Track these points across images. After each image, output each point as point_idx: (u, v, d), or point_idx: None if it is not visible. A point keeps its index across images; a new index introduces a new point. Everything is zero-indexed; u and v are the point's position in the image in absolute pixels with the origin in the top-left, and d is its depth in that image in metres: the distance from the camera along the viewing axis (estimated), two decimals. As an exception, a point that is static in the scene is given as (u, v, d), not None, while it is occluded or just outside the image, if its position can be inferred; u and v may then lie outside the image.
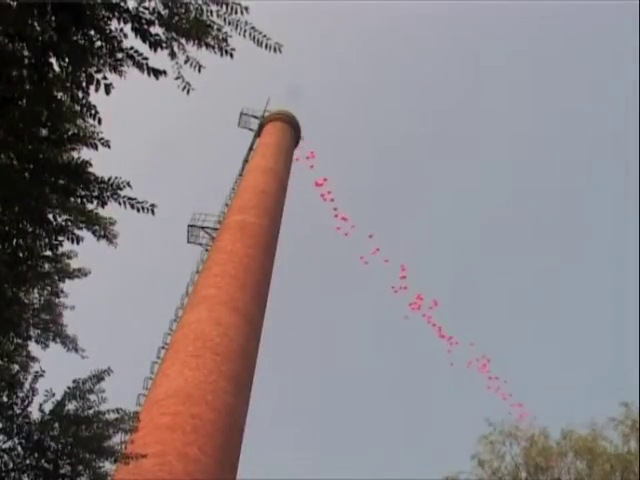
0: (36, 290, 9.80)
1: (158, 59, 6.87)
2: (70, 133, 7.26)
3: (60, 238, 7.59)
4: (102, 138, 7.46)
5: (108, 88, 6.69)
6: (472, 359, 30.79)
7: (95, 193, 7.27)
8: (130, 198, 7.23)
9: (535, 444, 21.03)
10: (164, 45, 6.87)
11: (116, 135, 8.05)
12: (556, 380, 57.98)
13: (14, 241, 7.40)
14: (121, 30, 6.77)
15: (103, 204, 7.37)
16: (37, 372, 9.38)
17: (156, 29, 6.85)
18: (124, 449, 9.81)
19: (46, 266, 9.08)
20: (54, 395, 9.24)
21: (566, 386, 56.43)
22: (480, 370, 29.59)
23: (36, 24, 6.32)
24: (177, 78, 7.05)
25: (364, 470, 44.68)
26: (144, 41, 6.81)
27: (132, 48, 6.77)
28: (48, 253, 8.16)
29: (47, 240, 7.58)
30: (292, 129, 34.33)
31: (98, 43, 6.66)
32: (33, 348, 10.02)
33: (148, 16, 6.79)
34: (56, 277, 9.74)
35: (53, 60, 6.56)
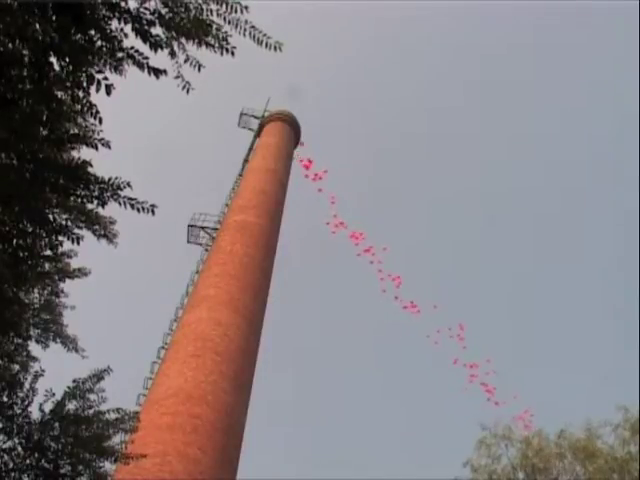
0: (36, 290, 9.80)
1: (158, 58, 6.88)
2: (70, 133, 7.26)
3: (60, 238, 7.58)
4: (102, 139, 7.45)
5: (109, 89, 6.70)
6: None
7: (95, 193, 7.26)
8: (130, 198, 7.22)
9: (531, 445, 20.99)
10: (164, 45, 6.87)
11: (116, 134, 8.05)
12: (554, 381, 57.99)
13: (14, 241, 7.39)
14: (121, 30, 6.77)
15: (103, 204, 7.37)
16: (37, 372, 9.38)
17: (156, 29, 6.86)
18: (124, 449, 9.80)
19: (46, 266, 9.07)
20: (54, 395, 9.24)
21: (565, 387, 56.44)
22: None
23: (37, 24, 6.32)
24: (177, 77, 7.05)
25: (363, 470, 44.67)
26: (144, 41, 6.81)
27: (132, 48, 6.77)
28: (48, 253, 8.15)
29: (47, 240, 7.57)
30: (292, 129, 34.34)
31: (99, 43, 6.66)
32: (33, 348, 10.05)
33: (149, 16, 6.79)
34: (56, 277, 9.75)
35: (54, 60, 6.56)
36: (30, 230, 7.45)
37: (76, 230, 7.76)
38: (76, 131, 7.43)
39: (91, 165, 7.24)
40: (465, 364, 30.72)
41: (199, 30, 6.94)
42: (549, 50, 68.41)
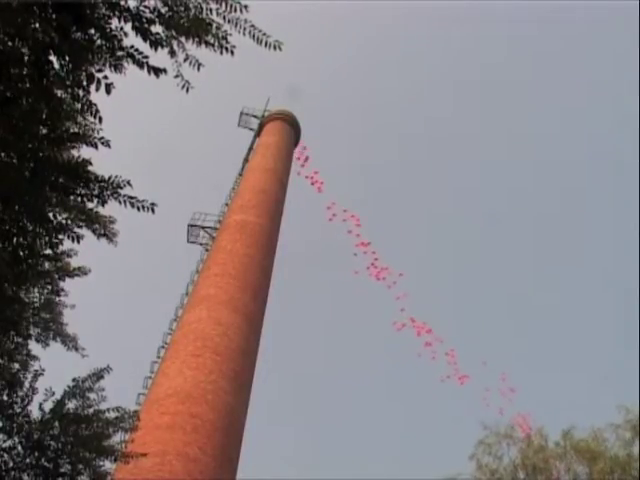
0: (36, 289, 9.79)
1: (157, 57, 6.89)
2: (70, 132, 7.28)
3: (60, 237, 7.59)
4: (102, 137, 7.46)
5: (109, 88, 6.71)
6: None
7: (95, 192, 7.27)
8: (130, 197, 7.23)
9: (532, 445, 21.01)
10: (164, 43, 6.88)
11: (116, 133, 8.05)
12: (556, 382, 58.00)
13: (14, 240, 7.39)
14: (121, 29, 6.79)
15: (103, 203, 7.38)
16: (37, 371, 9.38)
17: (156, 28, 6.87)
18: (124, 448, 9.81)
19: (46, 265, 9.08)
20: (54, 394, 9.25)
21: (566, 387, 56.44)
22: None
23: (37, 23, 6.33)
24: (176, 76, 7.06)
25: (364, 470, 44.70)
26: (144, 40, 6.83)
27: (132, 47, 6.78)
28: (48, 252, 8.16)
29: (47, 239, 7.57)
30: (292, 129, 34.36)
31: (98, 42, 6.67)
32: (33, 347, 10.04)
33: (148, 15, 6.81)
34: (56, 276, 9.74)
35: (53, 59, 6.57)
36: (30, 229, 7.44)
37: (76, 229, 7.76)
38: (76, 130, 7.44)
39: (91, 164, 7.25)
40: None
41: (199, 29, 6.95)
42: (549, 50, 68.48)
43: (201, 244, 27.09)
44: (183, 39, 6.96)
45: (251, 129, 35.42)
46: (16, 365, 9.42)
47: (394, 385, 59.23)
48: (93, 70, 6.68)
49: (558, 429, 21.43)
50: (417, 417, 57.27)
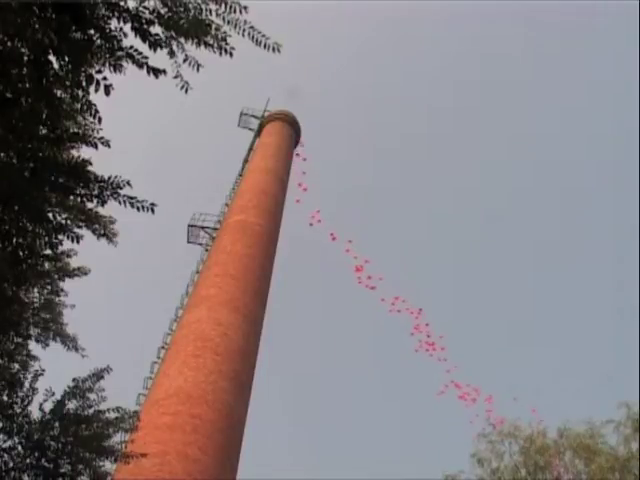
0: (36, 289, 9.82)
1: (157, 57, 6.90)
2: (70, 132, 7.29)
3: (60, 237, 7.60)
4: (102, 137, 7.49)
5: (108, 89, 6.73)
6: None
7: (95, 192, 7.29)
8: (130, 197, 7.24)
9: (534, 443, 21.03)
10: (163, 44, 6.90)
11: (115, 134, 8.06)
12: (555, 380, 57.99)
13: (14, 240, 7.41)
14: (121, 29, 6.80)
15: (103, 203, 7.40)
16: (37, 371, 9.38)
17: (156, 28, 6.88)
18: (124, 448, 9.81)
19: (46, 265, 9.10)
20: (54, 394, 9.25)
21: (566, 386, 56.45)
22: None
23: (36, 23, 6.34)
24: (176, 77, 7.07)
25: (364, 469, 44.68)
26: (144, 41, 6.84)
27: (132, 47, 6.80)
28: (48, 252, 8.18)
29: (47, 239, 7.59)
30: (292, 129, 34.38)
31: (98, 42, 6.69)
32: (33, 347, 10.06)
33: (148, 15, 6.82)
34: (56, 276, 9.77)
35: (53, 59, 6.59)
36: (30, 229, 7.46)
37: (76, 229, 7.79)
38: (76, 130, 7.46)
39: (91, 164, 7.27)
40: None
41: (198, 30, 6.96)
42: (549, 49, 68.49)
43: (201, 244, 27.11)
44: (182, 40, 6.98)
45: (251, 129, 35.43)
46: (16, 365, 9.43)
47: (395, 385, 59.27)
48: (92, 72, 6.70)
49: (558, 427, 21.48)
50: (418, 416, 57.28)
